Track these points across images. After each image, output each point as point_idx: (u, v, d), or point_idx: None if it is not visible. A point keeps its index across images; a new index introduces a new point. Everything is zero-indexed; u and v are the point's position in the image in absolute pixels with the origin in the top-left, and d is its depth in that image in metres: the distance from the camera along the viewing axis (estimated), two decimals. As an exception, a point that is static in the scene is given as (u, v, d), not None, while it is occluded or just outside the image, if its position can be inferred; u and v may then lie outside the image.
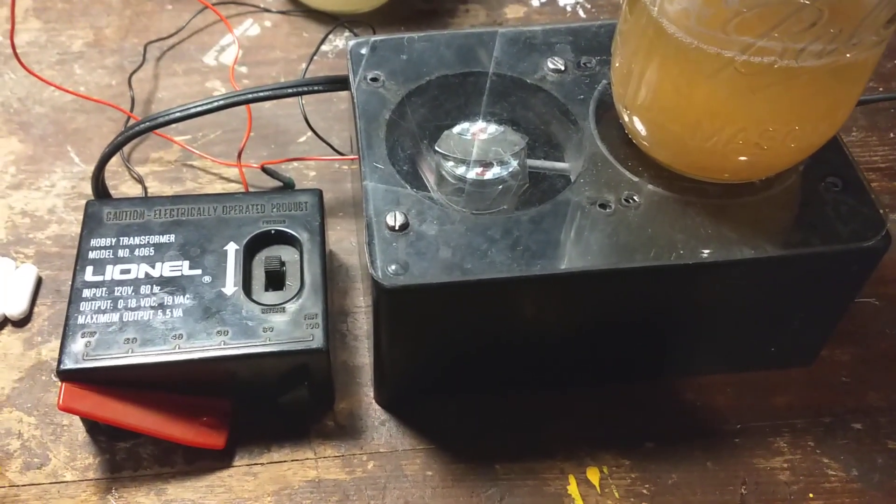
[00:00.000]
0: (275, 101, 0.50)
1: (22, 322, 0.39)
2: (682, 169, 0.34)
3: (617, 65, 0.34)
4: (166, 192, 0.45)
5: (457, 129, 0.36)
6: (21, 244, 0.42)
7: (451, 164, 0.35)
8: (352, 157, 0.42)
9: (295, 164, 0.47)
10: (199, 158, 0.47)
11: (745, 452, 0.37)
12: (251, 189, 0.45)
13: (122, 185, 0.45)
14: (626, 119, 0.34)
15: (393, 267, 0.31)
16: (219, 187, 0.46)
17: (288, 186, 0.45)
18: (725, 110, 0.30)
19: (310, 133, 0.48)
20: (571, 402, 0.38)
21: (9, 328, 0.39)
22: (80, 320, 0.34)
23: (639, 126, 0.34)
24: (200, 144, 0.47)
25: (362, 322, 0.41)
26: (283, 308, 0.35)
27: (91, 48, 0.52)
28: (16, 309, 0.39)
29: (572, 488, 0.35)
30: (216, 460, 0.35)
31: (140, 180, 0.45)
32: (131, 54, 0.52)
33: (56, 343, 0.38)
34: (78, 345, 0.33)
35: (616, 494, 0.35)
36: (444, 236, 0.32)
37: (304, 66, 0.52)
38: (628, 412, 0.38)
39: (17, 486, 0.34)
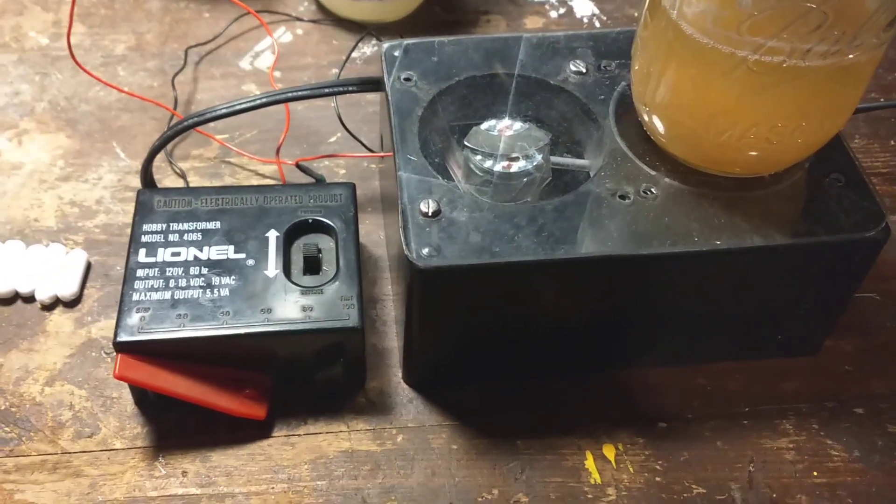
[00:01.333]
0: (307, 104, 0.52)
1: (72, 303, 0.42)
2: (696, 163, 0.36)
3: (636, 67, 0.37)
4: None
5: (484, 125, 0.39)
6: (70, 231, 0.45)
7: (479, 157, 0.38)
8: (381, 154, 0.44)
9: (326, 161, 0.50)
10: (236, 155, 0.49)
11: (753, 434, 0.39)
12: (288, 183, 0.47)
13: (166, 180, 0.48)
14: (645, 117, 0.37)
15: (426, 250, 0.34)
16: (255, 182, 0.48)
17: (320, 182, 0.48)
18: (738, 107, 0.33)
19: (340, 133, 0.51)
20: (589, 385, 0.40)
21: (60, 308, 0.42)
22: (135, 297, 0.36)
23: (657, 123, 0.36)
24: (238, 143, 0.50)
25: (390, 308, 0.43)
26: (321, 290, 0.37)
27: (133, 52, 0.55)
28: (67, 290, 0.41)
29: (589, 463, 0.38)
30: (256, 431, 0.38)
31: (182, 175, 0.48)
32: (171, 58, 0.54)
33: (105, 322, 0.41)
34: (133, 319, 0.36)
35: (630, 469, 0.38)
36: (474, 222, 0.35)
37: (334, 70, 0.54)
38: (643, 395, 0.40)
39: (70, 452, 0.37)
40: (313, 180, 0.48)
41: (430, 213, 0.35)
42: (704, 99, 0.34)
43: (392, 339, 0.42)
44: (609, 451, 0.38)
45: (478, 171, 0.38)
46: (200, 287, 0.37)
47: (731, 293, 0.37)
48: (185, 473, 0.36)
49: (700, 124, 0.34)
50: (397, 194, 0.36)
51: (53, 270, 0.42)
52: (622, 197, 0.36)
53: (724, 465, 0.38)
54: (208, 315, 0.36)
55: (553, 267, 0.34)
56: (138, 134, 0.50)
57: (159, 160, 0.48)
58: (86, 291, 0.42)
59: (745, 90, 0.32)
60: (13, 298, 0.42)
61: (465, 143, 0.38)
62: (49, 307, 0.42)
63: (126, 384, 0.38)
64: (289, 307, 0.36)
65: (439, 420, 0.39)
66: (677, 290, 0.37)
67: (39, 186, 0.47)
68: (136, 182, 0.47)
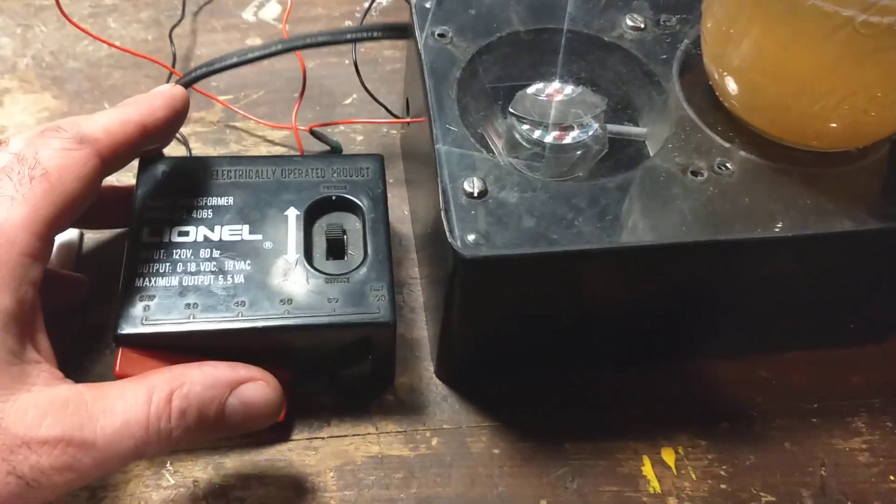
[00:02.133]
0: (319, 61, 0.48)
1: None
2: (777, 135, 0.32)
3: (709, 25, 0.32)
4: (210, 154, 0.43)
5: (531, 89, 0.34)
6: (60, 206, 0.40)
7: (526, 126, 0.33)
8: (408, 119, 0.40)
9: (342, 127, 0.45)
10: (242, 119, 0.45)
11: (824, 433, 0.36)
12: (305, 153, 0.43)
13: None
14: (719, 81, 0.32)
15: (473, 236, 0.29)
16: (264, 150, 0.44)
17: (335, 150, 0.43)
18: (836, 74, 0.28)
19: (356, 95, 0.46)
20: (642, 380, 0.36)
21: (51, 294, 0.37)
22: (138, 283, 0.32)
23: (733, 89, 0.32)
24: (243, 105, 0.45)
25: (418, 294, 0.39)
26: (348, 278, 0.33)
27: (125, 1, 0.49)
28: (65, 237, 0.38)
29: (647, 469, 0.34)
30: (275, 433, 0.34)
31: (184, 141, 0.43)
32: (167, 8, 0.49)
33: (102, 309, 0.37)
34: (136, 308, 0.31)
35: (693, 476, 0.34)
36: (526, 204, 0.30)
37: (348, 23, 0.49)
38: (702, 390, 0.36)
39: (68, 459, 0.33)
40: (329, 149, 0.43)
41: (475, 194, 0.30)
42: (796, 64, 0.29)
43: (422, 328, 0.38)
44: (668, 456, 0.34)
45: (524, 143, 0.33)
46: (212, 272, 0.32)
47: (808, 279, 0.33)
48: (196, 483, 0.32)
49: (788, 92, 0.30)
50: (434, 171, 0.31)
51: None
52: (694, 173, 0.31)
53: (793, 469, 0.34)
54: (221, 305, 0.32)
55: (619, 255, 0.29)
56: (132, 94, 0.44)
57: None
58: (79, 272, 0.38)
59: (847, 55, 0.28)
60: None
61: (511, 109, 0.33)
62: (38, 291, 0.37)
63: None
64: (311, 297, 0.32)
65: (477, 420, 0.35)
66: (751, 278, 0.32)
67: (24, 154, 0.42)
68: (132, 149, 0.42)
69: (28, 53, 0.46)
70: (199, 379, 0.28)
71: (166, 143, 0.35)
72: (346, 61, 0.48)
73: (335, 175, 0.36)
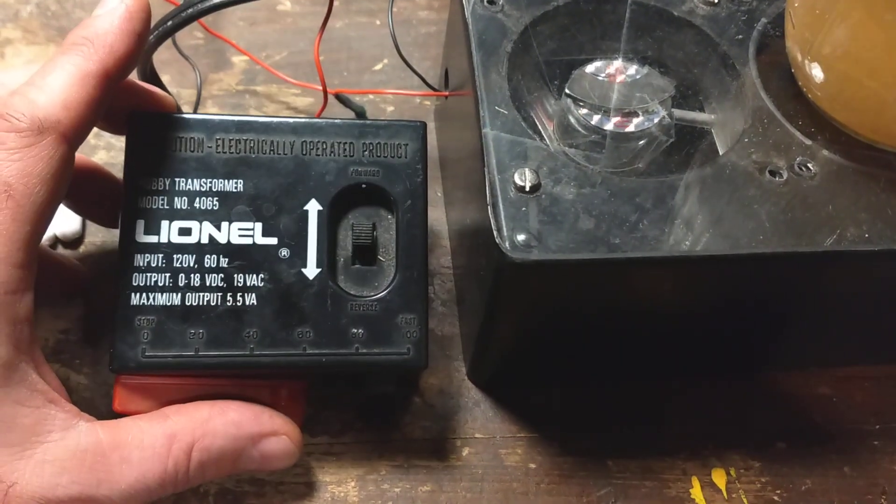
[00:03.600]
0: (348, 20, 0.44)
1: (74, 243, 0.35)
2: (867, 134, 0.28)
3: (797, 4, 0.28)
4: (227, 121, 0.39)
5: (590, 68, 0.31)
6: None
7: (584, 111, 0.30)
8: (445, 93, 0.36)
9: (370, 96, 0.41)
10: (263, 83, 0.41)
11: (886, 458, 0.33)
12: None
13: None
14: (803, 68, 0.29)
15: (523, 237, 0.26)
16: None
17: (360, 116, 0.40)
18: (950, 68, 0.25)
19: (387, 60, 0.43)
20: (692, 395, 0.33)
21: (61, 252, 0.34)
22: (135, 300, 0.27)
23: (820, 78, 0.28)
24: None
25: (450, 286, 0.36)
26: (375, 304, 0.28)
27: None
28: (68, 228, 0.35)
29: (696, 492, 0.31)
30: (292, 437, 0.31)
31: (196, 106, 0.40)
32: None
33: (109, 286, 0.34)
34: (133, 336, 0.26)
35: (745, 500, 0.31)
36: (584, 201, 0.27)
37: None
38: (756, 407, 0.33)
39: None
40: (354, 114, 0.39)
41: (527, 188, 0.27)
42: (903, 54, 0.25)
43: (453, 325, 0.35)
44: (719, 478, 0.31)
45: (580, 129, 0.30)
46: (218, 289, 0.27)
47: (886, 294, 0.30)
48: (205, 492, 0.30)
49: (886, 87, 0.26)
50: (478, 157, 0.28)
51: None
52: (773, 173, 0.28)
53: (851, 497, 0.32)
54: (229, 337, 0.27)
55: (690, 265, 0.26)
56: (145, 51, 0.41)
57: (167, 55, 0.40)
58: (88, 239, 0.35)
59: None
60: None
61: (567, 90, 0.30)
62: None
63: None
64: (333, 326, 0.27)
65: (513, 431, 0.32)
66: (826, 291, 0.29)
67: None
68: (143, 111, 0.39)
69: (32, 0, 0.43)
70: (222, 431, 0.26)
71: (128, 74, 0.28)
72: (378, 21, 0.44)
73: (366, 153, 0.29)
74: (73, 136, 0.25)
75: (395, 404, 0.32)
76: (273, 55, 0.42)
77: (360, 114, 0.40)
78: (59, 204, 0.25)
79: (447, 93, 0.36)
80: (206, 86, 0.40)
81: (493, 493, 0.31)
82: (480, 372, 0.33)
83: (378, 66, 0.42)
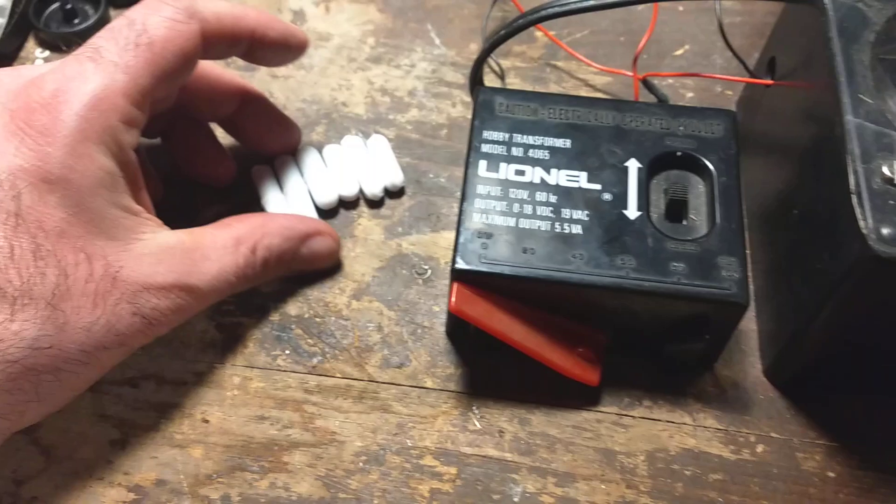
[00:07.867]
0: (650, 6, 0.43)
1: (378, 203, 0.37)
2: None
3: None
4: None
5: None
6: (381, 124, 0.39)
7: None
8: (770, 81, 0.35)
9: (669, 80, 0.41)
10: (564, 59, 0.42)
11: None
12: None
13: (484, 78, 0.41)
14: None
15: (889, 230, 0.25)
16: (584, 93, 0.41)
17: (662, 102, 0.40)
18: None
19: (688, 46, 0.42)
20: None
21: (367, 214, 0.36)
22: (476, 218, 0.30)
23: None
24: (565, 44, 0.42)
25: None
26: (695, 245, 0.30)
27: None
28: (396, 178, 0.37)
29: None
30: (582, 400, 0.31)
31: (501, 75, 0.41)
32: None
33: (416, 238, 0.36)
34: (474, 245, 0.30)
35: None
36: (957, 202, 0.25)
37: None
38: None
39: (377, 381, 0.32)
40: (657, 101, 0.39)
41: (895, 180, 0.26)
42: None
43: (748, 319, 0.34)
44: None
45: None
46: (548, 218, 0.31)
47: None
48: (501, 433, 0.31)
49: None
50: (829, 145, 0.27)
51: (357, 166, 0.37)
52: None
53: None
54: (558, 255, 0.30)
55: None
56: (455, 18, 0.43)
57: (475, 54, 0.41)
58: (393, 200, 0.37)
59: None
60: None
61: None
62: (351, 205, 0.36)
63: (446, 313, 0.33)
64: (653, 259, 0.29)
65: (812, 436, 0.31)
66: None
67: (349, 65, 0.41)
68: (452, 75, 0.41)
69: (356, -37, 0.46)
70: (278, 231, 0.31)
71: (269, 64, 0.35)
72: (681, 7, 0.44)
73: (681, 129, 0.33)
74: (211, 39, 0.30)
75: (686, 389, 0.32)
76: (574, 33, 0.43)
77: (664, 101, 0.40)
78: (178, 83, 0.30)
79: (771, 81, 0.35)
80: (510, 57, 0.42)
81: (787, 495, 0.30)
82: (782, 371, 0.32)
83: (679, 52, 0.42)
